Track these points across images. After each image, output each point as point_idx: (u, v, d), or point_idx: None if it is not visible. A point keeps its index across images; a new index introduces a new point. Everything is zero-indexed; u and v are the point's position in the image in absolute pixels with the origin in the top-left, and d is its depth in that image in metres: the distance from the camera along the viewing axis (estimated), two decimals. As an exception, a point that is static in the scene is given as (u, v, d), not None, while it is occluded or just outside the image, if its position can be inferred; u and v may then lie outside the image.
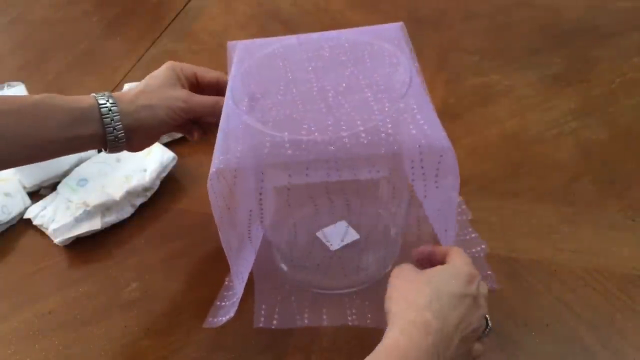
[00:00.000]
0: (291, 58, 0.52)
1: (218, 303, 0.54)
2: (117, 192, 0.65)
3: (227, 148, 0.44)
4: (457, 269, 0.43)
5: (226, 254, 0.47)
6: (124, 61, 0.96)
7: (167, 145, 0.74)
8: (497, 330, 0.48)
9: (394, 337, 0.38)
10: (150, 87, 0.54)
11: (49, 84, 0.93)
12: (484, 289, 0.43)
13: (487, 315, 0.43)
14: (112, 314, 0.56)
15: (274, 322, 0.53)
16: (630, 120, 0.72)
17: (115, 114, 0.51)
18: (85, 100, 0.51)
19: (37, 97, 0.50)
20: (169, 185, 0.70)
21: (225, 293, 0.55)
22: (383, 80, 0.49)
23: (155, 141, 0.59)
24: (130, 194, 0.66)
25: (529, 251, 0.57)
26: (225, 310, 0.52)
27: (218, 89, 0.58)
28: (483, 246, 0.57)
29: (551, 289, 0.53)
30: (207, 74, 0.58)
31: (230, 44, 0.54)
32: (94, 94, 0.52)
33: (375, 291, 0.54)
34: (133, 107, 0.52)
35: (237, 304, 0.51)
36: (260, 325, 0.53)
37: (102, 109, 0.51)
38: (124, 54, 0.98)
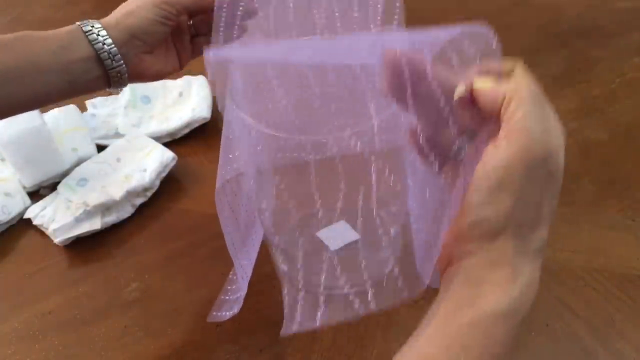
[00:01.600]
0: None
1: (222, 297, 0.54)
2: (117, 192, 0.65)
3: (229, 157, 0.44)
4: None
5: (231, 255, 0.47)
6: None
7: (167, 145, 0.74)
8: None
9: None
10: None
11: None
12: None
13: None
14: (112, 314, 0.56)
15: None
16: (630, 120, 0.72)
17: (99, 29, 0.49)
18: (66, 28, 0.50)
19: (17, 33, 0.48)
20: (169, 185, 0.70)
21: (229, 287, 0.55)
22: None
23: (158, 64, 0.53)
24: (130, 194, 0.66)
25: (529, 251, 0.57)
26: (229, 306, 0.52)
27: None
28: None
29: (551, 289, 0.53)
30: None
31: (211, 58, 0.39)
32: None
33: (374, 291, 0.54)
34: (114, 19, 0.50)
35: (241, 301, 0.50)
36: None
37: (84, 27, 0.49)
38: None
